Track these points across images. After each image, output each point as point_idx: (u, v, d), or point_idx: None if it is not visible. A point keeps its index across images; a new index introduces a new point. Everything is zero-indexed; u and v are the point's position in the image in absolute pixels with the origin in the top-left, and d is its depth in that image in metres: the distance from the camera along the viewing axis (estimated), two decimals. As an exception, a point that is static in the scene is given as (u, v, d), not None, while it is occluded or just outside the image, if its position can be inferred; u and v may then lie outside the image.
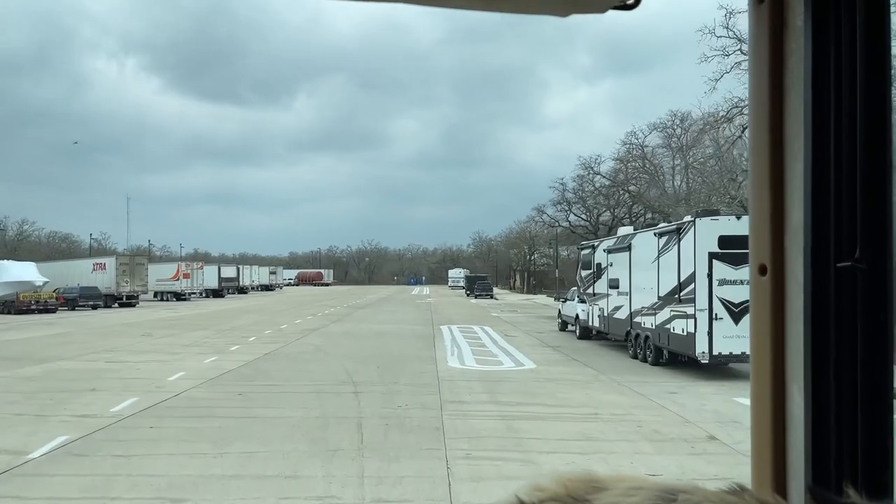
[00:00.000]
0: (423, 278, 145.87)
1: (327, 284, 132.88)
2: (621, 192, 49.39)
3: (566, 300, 30.69)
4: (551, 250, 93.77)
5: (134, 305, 54.42)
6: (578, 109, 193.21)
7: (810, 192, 0.93)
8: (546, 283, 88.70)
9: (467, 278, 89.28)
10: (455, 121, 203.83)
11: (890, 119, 0.90)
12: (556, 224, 56.82)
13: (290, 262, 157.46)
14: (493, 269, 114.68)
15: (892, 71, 0.91)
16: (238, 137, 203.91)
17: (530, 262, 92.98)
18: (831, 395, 0.91)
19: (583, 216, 55.10)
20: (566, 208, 55.16)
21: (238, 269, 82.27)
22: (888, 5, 0.90)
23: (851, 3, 0.90)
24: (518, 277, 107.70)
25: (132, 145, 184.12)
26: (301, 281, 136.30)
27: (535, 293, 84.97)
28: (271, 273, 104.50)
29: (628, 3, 1.02)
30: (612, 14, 1.07)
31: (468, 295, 78.21)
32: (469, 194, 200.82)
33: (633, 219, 50.03)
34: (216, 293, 73.59)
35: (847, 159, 0.90)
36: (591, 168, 50.19)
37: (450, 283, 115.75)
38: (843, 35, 0.91)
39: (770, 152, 0.99)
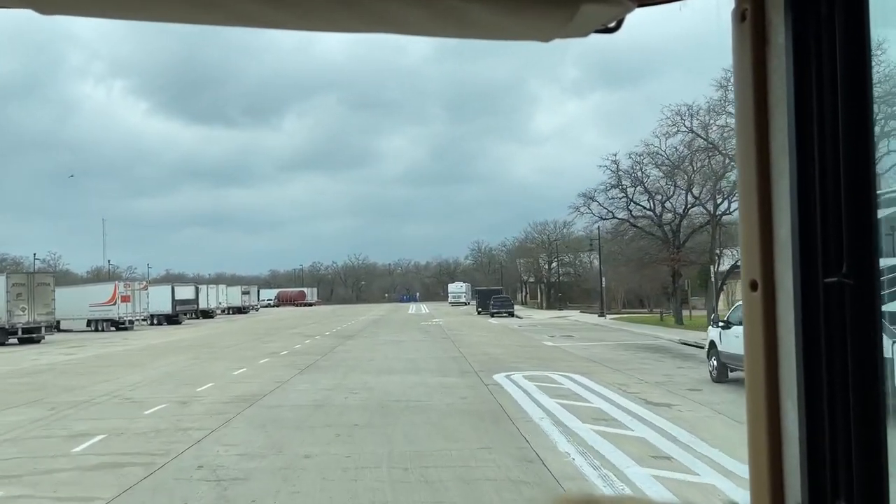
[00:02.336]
0: (417, 294, 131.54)
1: (311, 304, 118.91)
2: (712, 156, 34.57)
3: (728, 324, 16.54)
4: (571, 258, 79.64)
5: (38, 341, 39.53)
6: (568, 123, 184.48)
7: (797, 208, 0.93)
8: (572, 297, 74.47)
9: (479, 293, 74.98)
10: (445, 137, 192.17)
11: (872, 133, 0.90)
12: (611, 215, 42.22)
13: (271, 281, 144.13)
14: (498, 281, 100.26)
15: (873, 85, 0.91)
16: (228, 159, 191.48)
17: (550, 271, 78.50)
18: (825, 411, 0.92)
19: (643, 202, 40.67)
20: (623, 192, 40.54)
21: (197, 290, 67.14)
22: (867, 20, 0.90)
23: (831, 19, 0.91)
24: (528, 290, 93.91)
25: (121, 169, 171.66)
26: (282, 301, 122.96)
27: (559, 308, 70.79)
28: (244, 293, 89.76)
29: (610, 26, 1.01)
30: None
31: (479, 312, 66.43)
32: (461, 210, 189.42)
33: (721, 198, 35.83)
34: (171, 319, 59.01)
35: (831, 175, 0.91)
36: (683, 121, 35.39)
37: (450, 300, 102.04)
38: (823, 50, 0.92)
39: (757, 169, 0.99)
